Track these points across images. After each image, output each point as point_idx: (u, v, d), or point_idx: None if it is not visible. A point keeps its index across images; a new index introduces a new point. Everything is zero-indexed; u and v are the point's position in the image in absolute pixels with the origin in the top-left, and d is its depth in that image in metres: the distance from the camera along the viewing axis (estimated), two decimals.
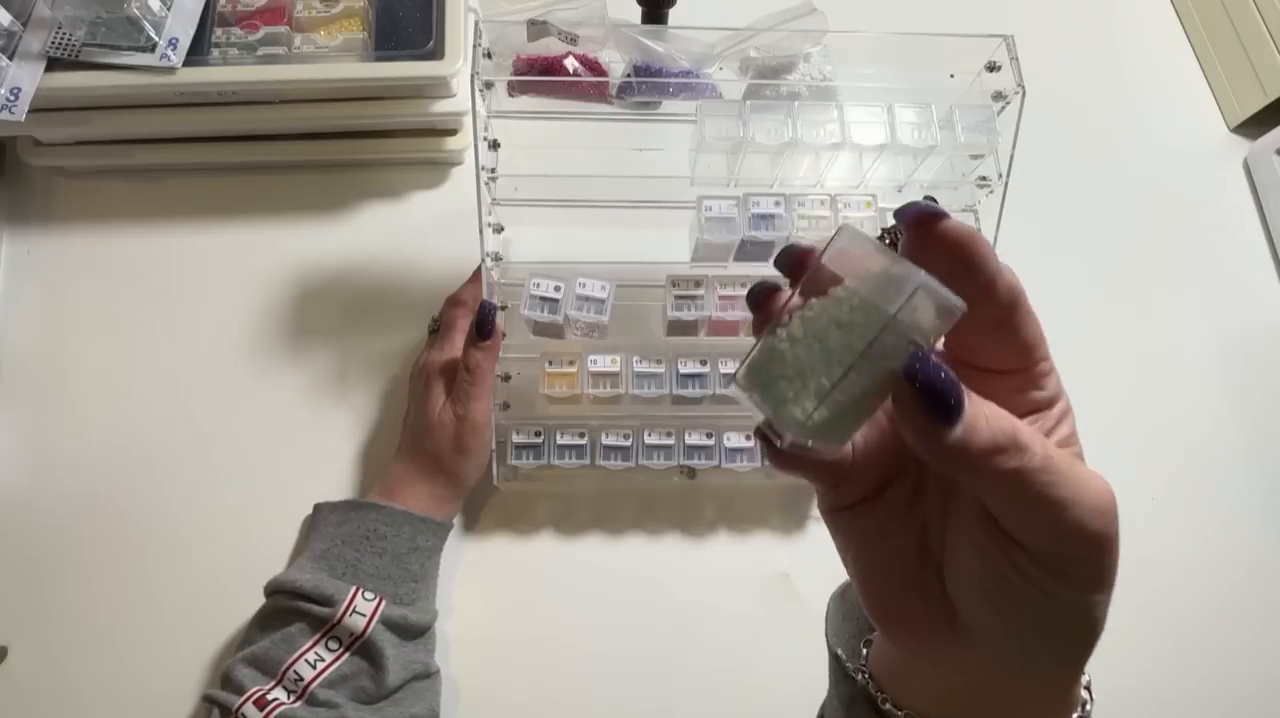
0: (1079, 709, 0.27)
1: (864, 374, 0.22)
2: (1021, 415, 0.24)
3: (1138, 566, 0.64)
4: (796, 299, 0.24)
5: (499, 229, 0.58)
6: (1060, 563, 0.22)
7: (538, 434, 0.59)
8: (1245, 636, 0.63)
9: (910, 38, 0.53)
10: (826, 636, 0.35)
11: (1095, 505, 0.22)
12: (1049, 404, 0.25)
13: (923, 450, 0.21)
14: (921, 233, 0.23)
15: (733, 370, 0.59)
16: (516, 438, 0.59)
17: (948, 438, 0.21)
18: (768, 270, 0.59)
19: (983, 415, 0.21)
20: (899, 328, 0.21)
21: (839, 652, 0.33)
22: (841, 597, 0.36)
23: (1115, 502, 0.23)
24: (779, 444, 0.24)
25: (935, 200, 0.58)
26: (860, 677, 0.31)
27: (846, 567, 0.28)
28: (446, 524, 0.58)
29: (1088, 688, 0.28)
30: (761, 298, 0.25)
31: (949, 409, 0.21)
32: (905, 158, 0.55)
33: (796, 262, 0.25)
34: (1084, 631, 0.24)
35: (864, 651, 0.31)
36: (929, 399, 0.21)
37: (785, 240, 0.56)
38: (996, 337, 0.24)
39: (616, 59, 0.54)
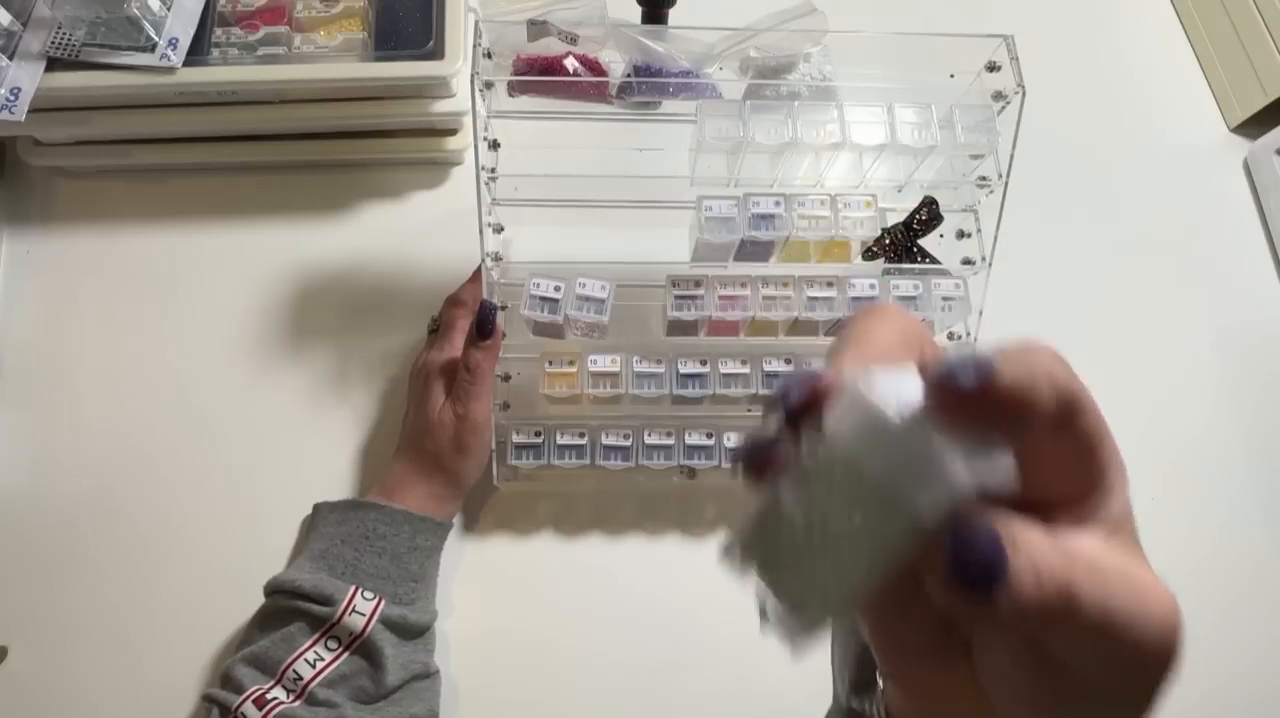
0: None
1: (878, 565, 0.18)
2: None
3: None
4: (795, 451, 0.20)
5: (499, 229, 0.58)
6: (1110, 688, 0.20)
7: (538, 434, 0.59)
8: (1245, 635, 0.63)
9: (910, 38, 0.53)
10: (832, 666, 0.33)
11: (1158, 625, 0.19)
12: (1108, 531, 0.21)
13: (957, 612, 0.19)
14: (965, 398, 0.18)
15: (733, 370, 0.59)
16: (516, 438, 0.59)
17: (990, 607, 0.18)
18: (767, 270, 0.59)
19: (1031, 571, 0.18)
20: (915, 525, 0.18)
21: (845, 695, 0.31)
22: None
23: (1180, 616, 0.20)
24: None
25: (936, 202, 0.58)
26: (877, 712, 0.29)
27: (868, 634, 0.24)
28: (446, 524, 0.58)
29: None
30: (759, 460, 0.20)
31: (990, 585, 0.18)
32: (905, 158, 0.55)
33: (808, 401, 0.20)
34: None
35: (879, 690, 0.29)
36: (970, 572, 0.18)
37: (785, 240, 0.56)
38: (1059, 461, 0.20)
39: (616, 59, 0.54)
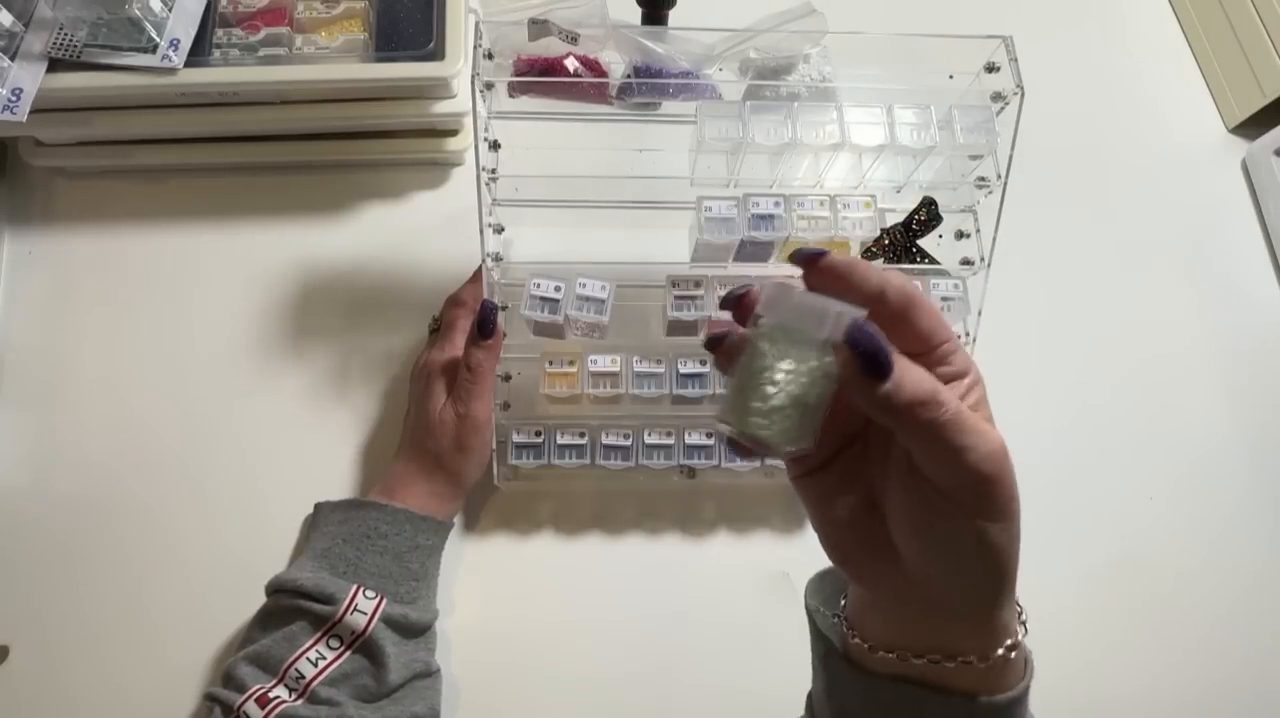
0: (1013, 637, 0.32)
1: (808, 385, 0.28)
2: None
3: (1136, 565, 0.65)
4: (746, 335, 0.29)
5: (499, 229, 0.58)
6: (960, 495, 0.28)
7: (538, 434, 0.59)
8: (1245, 633, 0.63)
9: (910, 38, 0.53)
10: (806, 602, 0.40)
11: (988, 452, 0.28)
12: (959, 377, 0.31)
13: (862, 403, 0.27)
14: (809, 272, 0.31)
15: None
16: (517, 438, 0.59)
17: (879, 390, 0.27)
18: (767, 270, 0.59)
19: (908, 375, 0.27)
20: (826, 348, 0.27)
21: (818, 608, 0.39)
22: (821, 577, 0.41)
23: (1005, 449, 0.28)
24: (768, 457, 0.29)
25: (935, 202, 0.58)
26: (836, 619, 0.37)
27: (812, 521, 0.34)
28: (447, 523, 0.58)
29: (1023, 623, 0.33)
30: (735, 301, 0.31)
31: (881, 368, 0.27)
32: (904, 158, 0.55)
33: (738, 301, 0.31)
34: (991, 558, 0.30)
35: (842, 601, 0.37)
36: (866, 360, 0.27)
37: (785, 240, 0.56)
38: (901, 330, 0.30)
39: (616, 60, 0.54)
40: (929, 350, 0.31)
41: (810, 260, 0.31)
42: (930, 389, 0.27)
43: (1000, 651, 0.32)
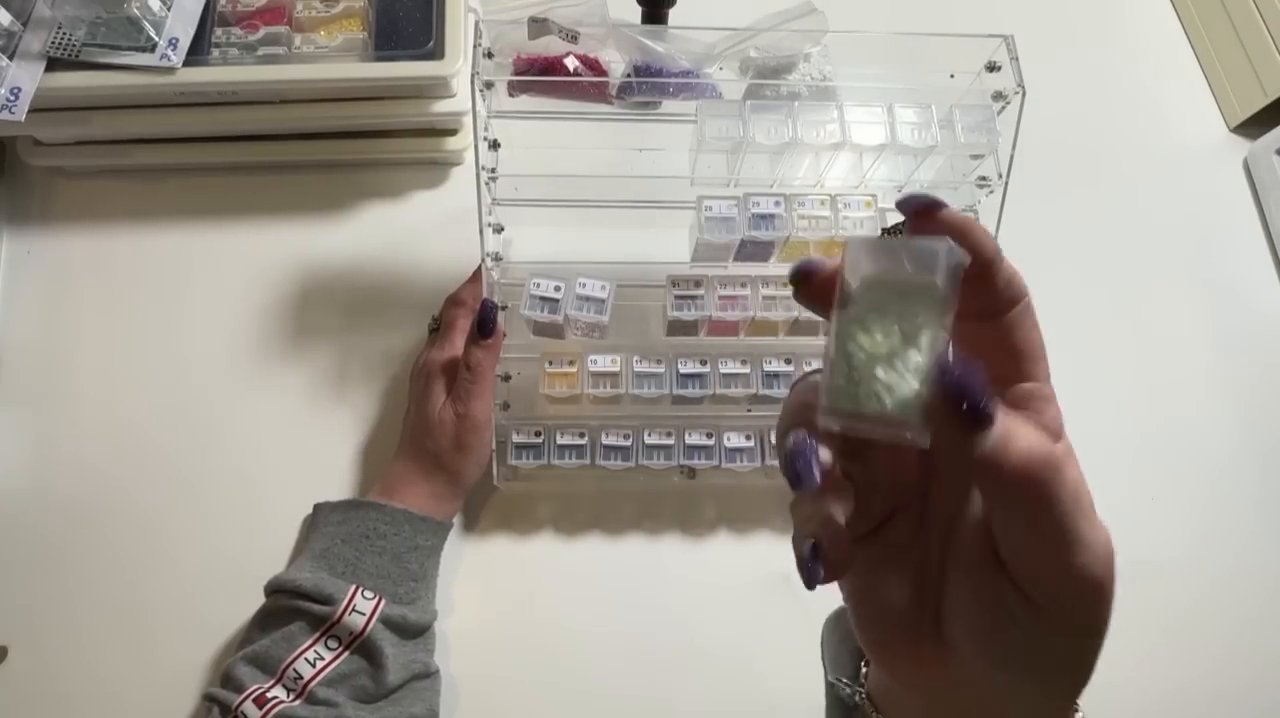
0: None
1: (928, 341, 0.22)
2: None
3: (1136, 565, 0.65)
4: (833, 319, 0.24)
5: (499, 229, 0.58)
6: (1057, 602, 0.22)
7: (538, 434, 0.59)
8: (1245, 632, 0.63)
9: (910, 38, 0.53)
10: (823, 662, 0.35)
11: (1103, 553, 0.22)
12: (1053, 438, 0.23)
13: (955, 453, 0.21)
14: (922, 221, 0.25)
15: (733, 370, 0.59)
16: (516, 438, 0.59)
17: (981, 444, 0.21)
18: (767, 270, 0.59)
19: (1019, 429, 0.21)
20: (942, 294, 0.22)
21: (835, 679, 0.33)
22: (837, 621, 0.36)
23: (1114, 554, 0.23)
24: (907, 441, 0.22)
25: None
26: (858, 697, 0.31)
27: (844, 596, 0.27)
28: (446, 524, 0.58)
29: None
30: (802, 274, 0.25)
31: (976, 412, 0.21)
32: (905, 158, 0.55)
33: (808, 274, 0.25)
34: (1076, 672, 0.24)
35: (864, 669, 0.32)
36: (958, 404, 0.21)
37: (785, 240, 0.56)
38: (996, 337, 0.24)
39: (616, 59, 0.54)
40: (1022, 379, 0.25)
41: (926, 210, 0.24)
42: (1046, 452, 0.21)
43: None
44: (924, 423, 0.22)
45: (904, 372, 0.22)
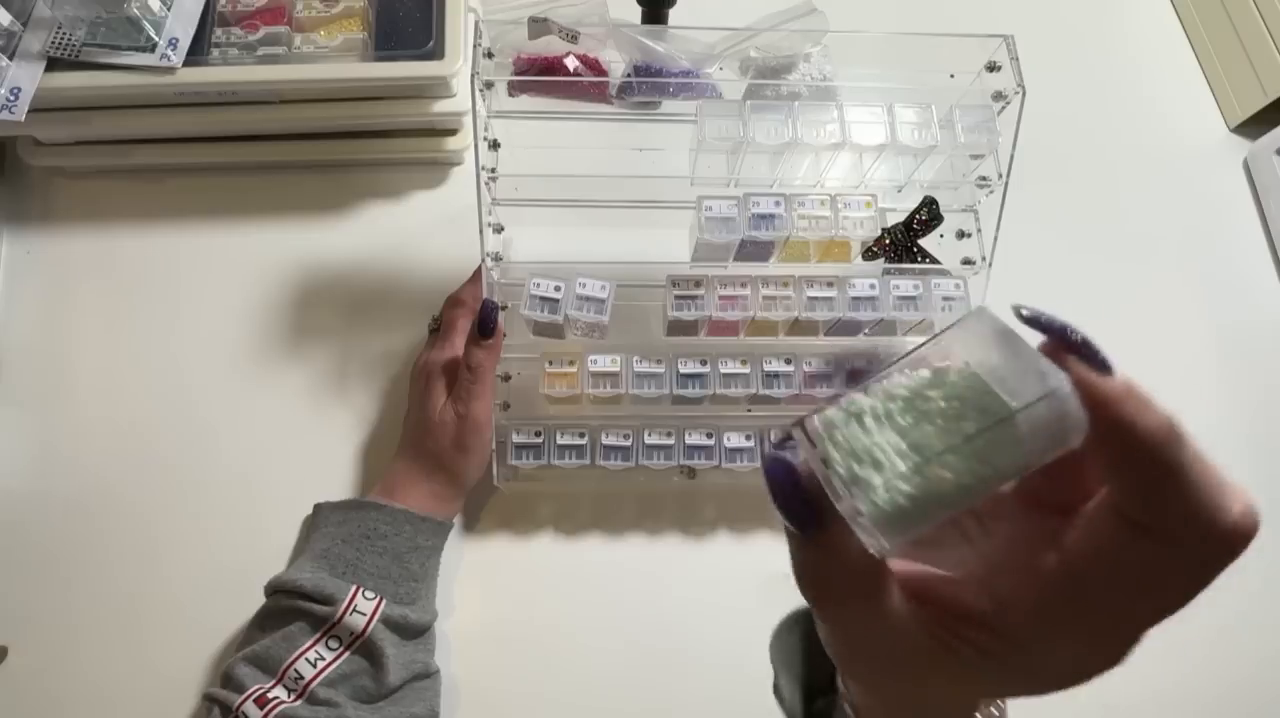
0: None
1: (960, 468, 0.19)
2: None
3: None
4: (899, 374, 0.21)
5: (499, 229, 0.58)
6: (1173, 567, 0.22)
7: (538, 434, 0.59)
8: (1248, 635, 0.63)
9: (910, 38, 0.53)
10: (775, 667, 0.35)
11: (1242, 503, 0.21)
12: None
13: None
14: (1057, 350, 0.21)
15: (733, 370, 0.59)
16: (516, 438, 0.59)
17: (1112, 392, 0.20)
18: (767, 270, 0.59)
19: (1146, 401, 0.20)
20: (1015, 431, 0.19)
21: (785, 685, 0.34)
22: (789, 630, 0.36)
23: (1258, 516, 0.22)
24: (851, 518, 0.20)
25: (936, 202, 0.58)
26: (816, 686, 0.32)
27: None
28: (447, 524, 0.58)
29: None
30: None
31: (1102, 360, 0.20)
32: (905, 158, 0.55)
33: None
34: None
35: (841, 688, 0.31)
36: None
37: (785, 240, 0.56)
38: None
39: (616, 59, 0.54)
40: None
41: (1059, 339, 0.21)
42: (1166, 417, 0.20)
43: None
44: (879, 520, 0.19)
45: (894, 466, 0.19)
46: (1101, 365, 0.21)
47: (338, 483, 0.62)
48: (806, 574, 0.23)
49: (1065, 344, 0.21)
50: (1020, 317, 0.21)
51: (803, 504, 0.21)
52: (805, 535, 0.21)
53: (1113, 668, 0.22)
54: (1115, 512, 0.20)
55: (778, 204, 0.55)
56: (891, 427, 0.20)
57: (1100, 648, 0.22)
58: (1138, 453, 0.19)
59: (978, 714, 0.28)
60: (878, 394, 0.20)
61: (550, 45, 0.53)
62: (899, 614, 0.23)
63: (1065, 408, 0.19)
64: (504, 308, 0.58)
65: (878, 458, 0.19)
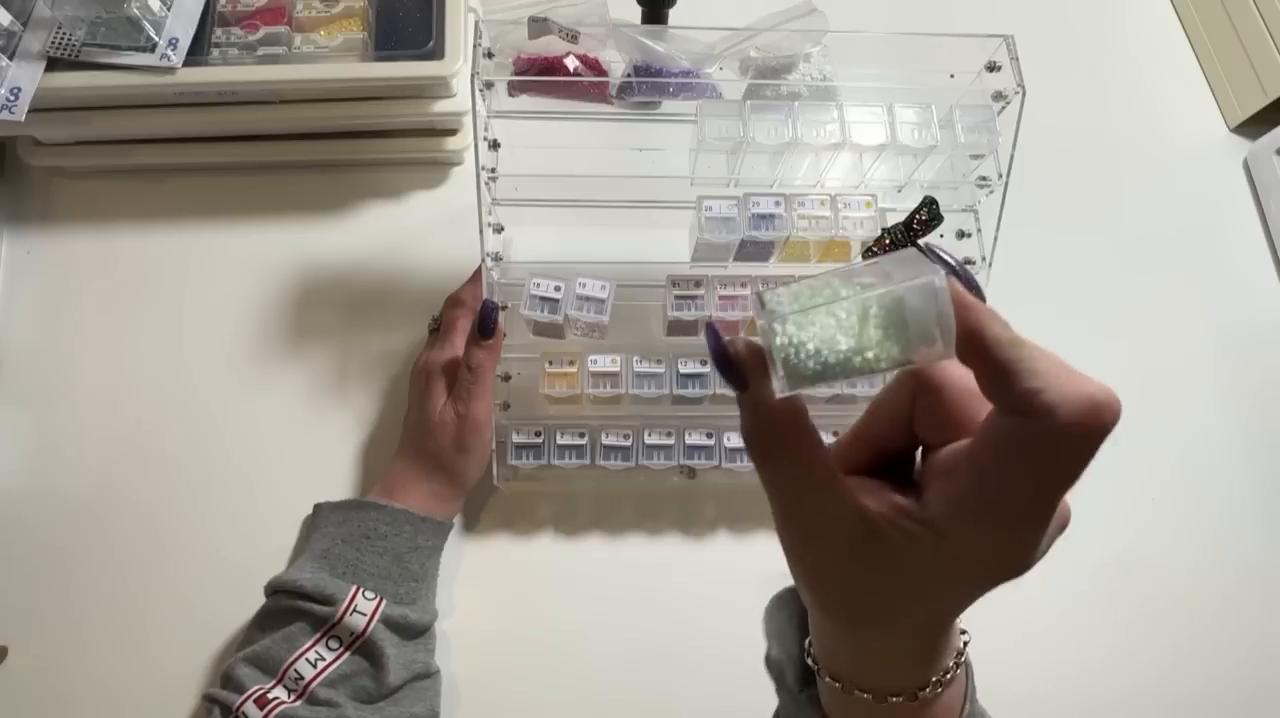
0: (955, 656, 0.31)
1: (855, 330, 0.24)
2: None
3: (1139, 567, 0.65)
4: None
5: (499, 229, 0.58)
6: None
7: (538, 434, 0.59)
8: (1244, 633, 0.63)
9: (910, 38, 0.53)
10: (767, 639, 0.38)
11: (1094, 389, 0.25)
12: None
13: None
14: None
15: None
16: (516, 438, 0.59)
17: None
18: (767, 270, 0.59)
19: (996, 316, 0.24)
20: (901, 307, 0.23)
21: (781, 653, 0.37)
22: (779, 604, 0.39)
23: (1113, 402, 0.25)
24: (771, 362, 0.25)
25: (936, 202, 0.58)
26: (808, 658, 0.34)
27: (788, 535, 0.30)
28: (447, 524, 0.58)
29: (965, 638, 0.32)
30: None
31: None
32: (905, 158, 0.55)
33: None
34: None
35: (807, 642, 0.34)
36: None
37: (785, 240, 0.56)
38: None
39: (616, 59, 0.54)
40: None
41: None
42: (1017, 336, 0.24)
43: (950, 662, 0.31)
44: (787, 358, 0.24)
45: (805, 318, 0.24)
46: (974, 288, 0.27)
47: (338, 483, 0.62)
48: (744, 430, 0.27)
49: (948, 268, 0.26)
50: (925, 246, 0.28)
51: (728, 363, 0.26)
52: (739, 391, 0.26)
53: (1031, 557, 0.25)
54: (998, 410, 0.24)
55: (778, 204, 0.55)
56: (818, 298, 0.24)
57: (1015, 533, 0.25)
58: (993, 346, 0.23)
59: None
60: (815, 283, 0.25)
61: (550, 45, 0.53)
62: (830, 483, 0.27)
63: (941, 299, 0.23)
64: (504, 308, 0.58)
65: (801, 320, 0.24)
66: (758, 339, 0.25)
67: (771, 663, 0.39)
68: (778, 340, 0.24)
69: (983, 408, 0.26)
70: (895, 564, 0.27)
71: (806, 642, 0.34)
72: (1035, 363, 0.23)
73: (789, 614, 0.37)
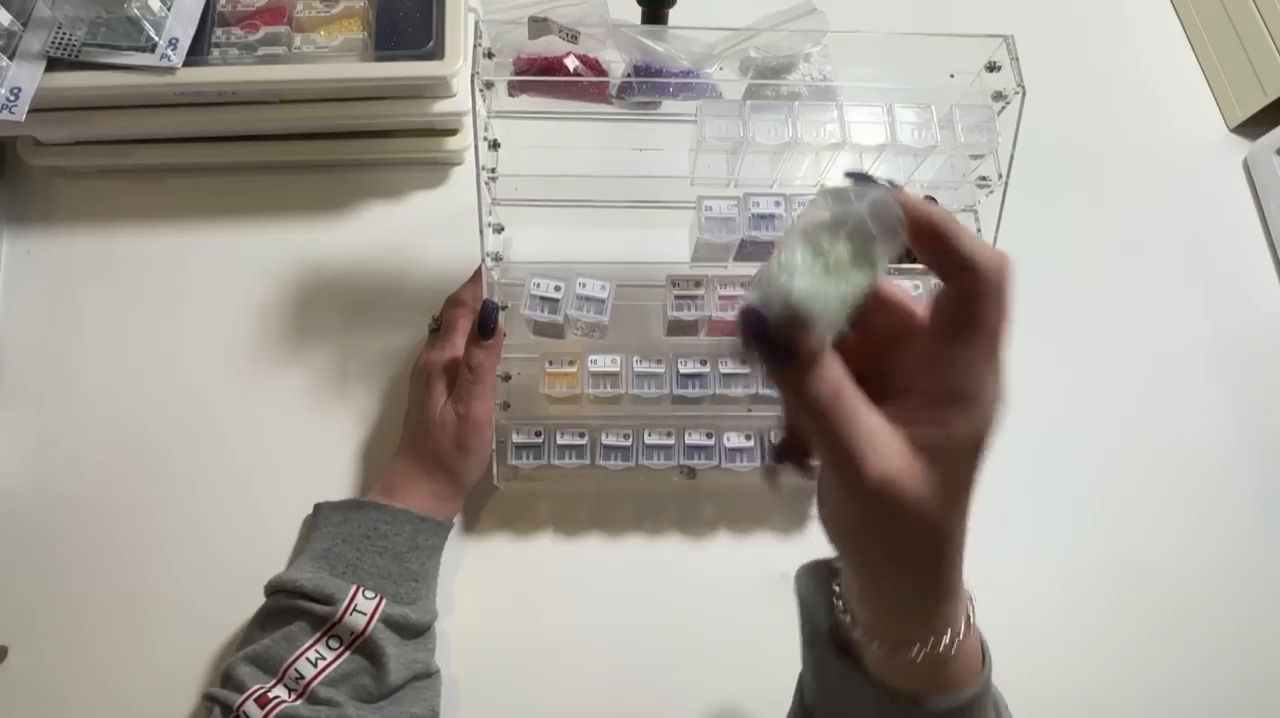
0: (967, 611, 0.33)
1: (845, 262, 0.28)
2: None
3: (1134, 565, 0.65)
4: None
5: (499, 229, 0.58)
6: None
7: (538, 434, 0.59)
8: (1247, 635, 0.63)
9: (910, 38, 0.53)
10: (797, 593, 0.40)
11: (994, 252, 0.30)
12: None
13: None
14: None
15: (733, 370, 0.59)
16: (516, 438, 0.59)
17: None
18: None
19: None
20: (866, 226, 0.28)
21: (805, 597, 0.40)
22: (810, 572, 0.40)
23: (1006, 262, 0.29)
24: (769, 319, 0.28)
25: (935, 201, 0.58)
26: (835, 599, 0.37)
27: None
28: (447, 523, 0.58)
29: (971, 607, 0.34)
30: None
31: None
32: (905, 158, 0.55)
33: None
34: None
35: (836, 588, 0.37)
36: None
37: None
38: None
39: (616, 59, 0.54)
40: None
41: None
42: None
43: (963, 627, 0.33)
44: (788, 305, 0.28)
45: (793, 269, 0.28)
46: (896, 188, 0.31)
47: (338, 483, 0.62)
48: (808, 397, 0.29)
49: (870, 181, 0.30)
50: (847, 174, 0.31)
51: (773, 338, 0.28)
52: (786, 364, 0.28)
53: (995, 401, 0.30)
54: (942, 277, 0.30)
55: (778, 204, 0.55)
56: (804, 255, 0.28)
57: (976, 375, 0.29)
58: (929, 227, 0.29)
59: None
60: (788, 246, 0.29)
61: (550, 45, 0.53)
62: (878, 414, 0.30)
63: (890, 206, 0.28)
64: (504, 308, 0.58)
65: (805, 273, 0.28)
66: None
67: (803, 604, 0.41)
68: (795, 297, 0.27)
69: (918, 306, 0.32)
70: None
71: (837, 601, 0.36)
72: (962, 234, 0.29)
73: (817, 583, 0.40)
